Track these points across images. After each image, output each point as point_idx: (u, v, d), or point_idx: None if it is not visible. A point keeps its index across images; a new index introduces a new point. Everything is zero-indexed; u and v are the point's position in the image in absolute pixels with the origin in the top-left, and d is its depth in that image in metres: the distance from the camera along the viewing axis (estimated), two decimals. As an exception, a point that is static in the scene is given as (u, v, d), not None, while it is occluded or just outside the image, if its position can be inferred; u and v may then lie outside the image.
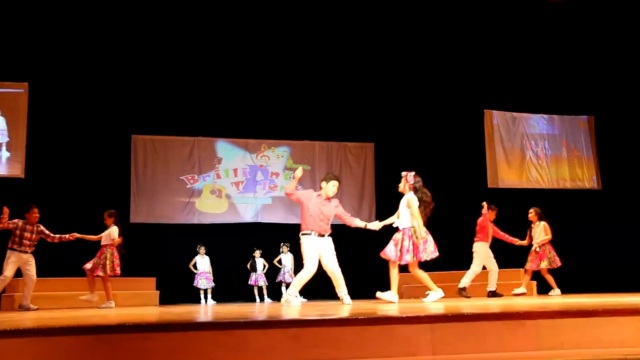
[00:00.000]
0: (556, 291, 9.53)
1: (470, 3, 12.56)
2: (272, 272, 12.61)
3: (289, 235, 12.29)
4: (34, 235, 8.69)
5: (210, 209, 12.78)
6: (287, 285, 12.50)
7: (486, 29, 12.87)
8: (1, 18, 11.18)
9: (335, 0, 12.33)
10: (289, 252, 12.53)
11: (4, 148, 11.23)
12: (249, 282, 12.44)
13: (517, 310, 3.36)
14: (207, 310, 6.32)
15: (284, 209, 12.98)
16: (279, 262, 12.64)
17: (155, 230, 12.23)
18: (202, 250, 12.11)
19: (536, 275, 10.46)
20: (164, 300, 10.75)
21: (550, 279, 9.62)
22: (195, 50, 12.33)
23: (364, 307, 5.26)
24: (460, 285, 9.04)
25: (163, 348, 2.85)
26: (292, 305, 6.59)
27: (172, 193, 12.60)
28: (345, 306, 5.86)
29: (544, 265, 9.50)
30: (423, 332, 3.07)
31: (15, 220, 8.61)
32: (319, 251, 6.69)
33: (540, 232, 9.60)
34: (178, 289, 11.75)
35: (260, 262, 12.55)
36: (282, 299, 7.09)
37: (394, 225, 6.97)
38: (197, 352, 2.83)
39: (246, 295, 12.38)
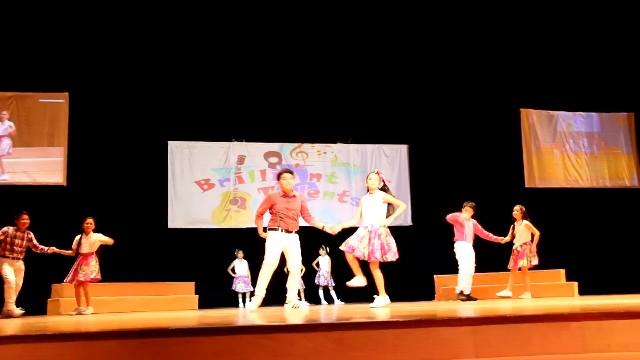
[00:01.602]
0: (527, 294, 9.15)
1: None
2: (311, 275, 12.62)
3: (328, 237, 12.27)
4: (24, 242, 8.64)
5: (247, 214, 12.85)
6: (324, 289, 12.50)
7: (521, 26, 12.72)
8: (43, 30, 11.46)
9: (370, 1, 12.34)
10: (326, 255, 12.51)
11: (46, 156, 11.47)
12: (286, 286, 12.44)
13: (562, 312, 3.29)
14: (246, 314, 6.35)
15: (321, 210, 12.98)
16: (317, 264, 12.64)
17: (193, 235, 12.36)
18: (240, 254, 12.19)
19: (576, 275, 10.26)
20: (203, 305, 10.85)
21: (527, 280, 9.29)
22: (229, 56, 12.44)
23: (403, 309, 5.22)
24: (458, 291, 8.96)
25: (206, 352, 2.86)
26: (302, 308, 6.63)
27: (208, 198, 12.71)
28: (378, 309, 5.80)
29: (522, 263, 9.22)
30: (465, 334, 3.03)
31: (5, 229, 8.58)
32: (284, 247, 6.80)
33: (523, 231, 9.30)
34: (217, 293, 11.85)
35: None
36: (287, 306, 6.99)
37: (357, 226, 6.79)
38: (240, 355, 2.84)
39: (283, 298, 12.39)
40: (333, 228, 6.93)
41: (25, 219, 8.68)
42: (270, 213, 6.96)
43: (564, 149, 13.06)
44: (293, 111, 12.82)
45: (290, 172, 7.06)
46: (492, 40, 12.82)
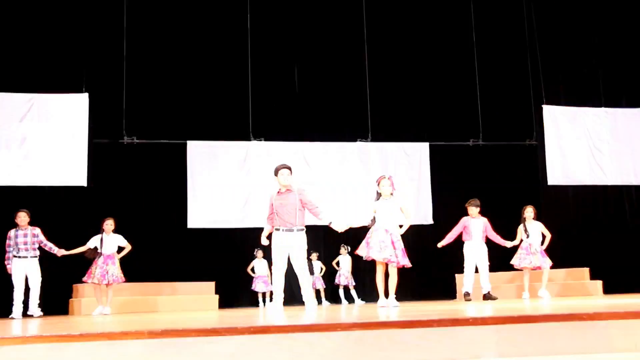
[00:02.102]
0: (526, 294, 9.11)
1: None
2: (331, 275, 12.63)
3: (349, 236, 12.30)
4: (29, 239, 8.76)
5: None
6: (345, 288, 12.51)
7: (541, 17, 12.59)
8: (61, 30, 11.58)
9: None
10: (347, 254, 12.50)
11: (68, 157, 11.57)
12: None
13: (587, 311, 3.26)
14: (266, 313, 6.38)
15: (339, 209, 12.98)
16: (337, 264, 12.64)
17: (212, 235, 12.41)
18: (260, 254, 12.22)
19: (600, 274, 10.15)
20: (223, 304, 10.91)
21: (527, 280, 9.24)
22: (248, 53, 12.46)
23: (424, 308, 5.21)
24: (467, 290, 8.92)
25: (226, 351, 2.89)
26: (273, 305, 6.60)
27: (228, 198, 12.76)
28: (392, 309, 5.80)
29: (547, 263, 9.15)
30: (488, 333, 3.02)
31: (9, 233, 8.81)
32: (288, 247, 6.66)
33: (537, 231, 9.21)
34: (237, 292, 11.90)
35: (317, 265, 12.58)
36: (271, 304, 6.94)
37: (369, 226, 6.73)
38: (260, 355, 2.86)
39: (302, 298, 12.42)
40: (340, 225, 6.85)
41: (22, 217, 8.80)
42: (271, 213, 6.89)
43: (588, 145, 12.90)
44: (313, 109, 12.81)
45: (288, 168, 6.91)
46: (515, 35, 12.71)
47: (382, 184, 6.72)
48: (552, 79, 12.83)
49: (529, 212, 9.31)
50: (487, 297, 8.95)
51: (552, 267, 9.37)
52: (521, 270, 9.30)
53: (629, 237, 12.05)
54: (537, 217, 9.42)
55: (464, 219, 9.22)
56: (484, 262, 9.07)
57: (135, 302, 10.20)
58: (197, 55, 12.34)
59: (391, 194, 6.71)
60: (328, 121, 12.93)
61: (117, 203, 11.30)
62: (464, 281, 9.04)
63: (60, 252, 8.88)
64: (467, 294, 8.96)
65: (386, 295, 6.66)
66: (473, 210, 9.17)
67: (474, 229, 9.07)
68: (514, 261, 9.26)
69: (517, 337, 3.03)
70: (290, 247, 6.66)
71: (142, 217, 11.55)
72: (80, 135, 11.55)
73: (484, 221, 9.22)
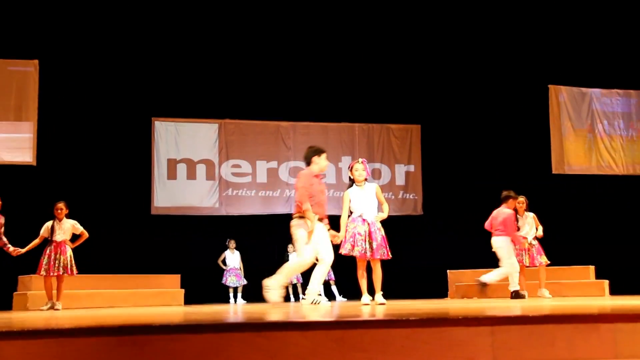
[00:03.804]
0: (525, 292, 9.16)
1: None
2: (310, 269, 12.64)
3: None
4: None
5: (238, 199, 12.89)
6: (325, 283, 12.55)
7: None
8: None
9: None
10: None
11: (12, 132, 11.42)
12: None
13: (591, 312, 3.30)
14: (237, 310, 6.38)
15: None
16: (316, 257, 12.66)
17: (179, 223, 12.39)
18: (233, 244, 12.23)
19: (607, 273, 10.27)
20: (189, 300, 10.90)
21: (543, 278, 9.29)
22: (222, 25, 12.38)
23: (413, 307, 5.24)
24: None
25: (193, 351, 2.88)
26: (323, 305, 6.57)
27: (197, 182, 12.73)
28: (379, 306, 5.83)
29: (544, 260, 9.22)
30: (482, 335, 3.04)
31: None
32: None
33: (532, 224, 9.29)
34: (205, 287, 11.89)
35: (293, 258, 12.60)
36: (306, 301, 6.83)
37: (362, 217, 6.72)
38: (231, 355, 2.85)
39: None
40: (335, 238, 6.81)
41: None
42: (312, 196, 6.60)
43: (598, 131, 13.00)
44: (291, 85, 12.78)
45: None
46: (517, 7, 12.72)
47: (355, 168, 6.74)
48: (560, 56, 12.87)
49: (520, 203, 9.34)
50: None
51: (552, 265, 9.44)
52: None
53: (639, 233, 12.20)
54: (537, 209, 9.47)
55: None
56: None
57: (90, 296, 10.11)
58: (164, 21, 12.22)
59: (365, 179, 6.75)
60: (309, 99, 12.92)
61: (71, 185, 11.20)
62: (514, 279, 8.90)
63: (16, 251, 8.67)
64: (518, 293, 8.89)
65: (371, 292, 6.70)
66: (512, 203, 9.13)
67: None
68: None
69: (514, 339, 3.05)
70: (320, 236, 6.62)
71: (100, 201, 11.47)
72: (28, 106, 11.40)
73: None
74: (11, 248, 8.51)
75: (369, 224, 6.59)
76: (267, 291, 6.33)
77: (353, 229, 6.59)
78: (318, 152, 6.72)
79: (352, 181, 6.82)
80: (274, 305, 6.37)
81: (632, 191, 12.72)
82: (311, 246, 6.51)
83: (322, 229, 6.61)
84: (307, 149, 6.85)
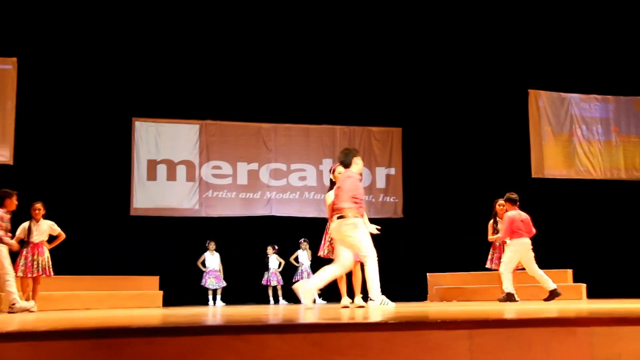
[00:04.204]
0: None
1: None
2: (289, 271, 12.64)
3: (308, 229, 12.32)
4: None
5: (219, 201, 12.85)
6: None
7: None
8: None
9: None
10: (308, 249, 12.52)
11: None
12: (262, 282, 12.49)
13: (568, 316, 3.32)
14: (216, 312, 6.36)
15: (299, 201, 13.03)
16: (296, 259, 12.66)
17: (158, 224, 12.31)
18: (212, 246, 12.18)
19: (585, 277, 10.36)
20: (168, 302, 10.83)
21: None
22: (203, 25, 12.34)
23: (393, 310, 5.25)
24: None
25: (170, 354, 2.86)
26: (389, 306, 6.45)
27: (177, 183, 12.67)
28: (360, 309, 5.83)
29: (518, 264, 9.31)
30: (460, 338, 3.05)
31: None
32: None
33: None
34: (184, 289, 11.83)
35: (274, 260, 12.59)
36: (374, 302, 6.57)
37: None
38: (208, 358, 2.84)
39: (259, 296, 12.44)
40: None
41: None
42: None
43: (576, 136, 13.12)
44: (272, 87, 12.77)
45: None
46: (498, 12, 12.80)
47: (337, 171, 6.74)
48: (539, 61, 12.96)
49: (501, 206, 9.37)
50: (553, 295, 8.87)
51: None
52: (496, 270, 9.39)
53: (617, 236, 12.32)
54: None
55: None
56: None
57: (67, 298, 9.98)
58: (147, 23, 12.14)
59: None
60: (291, 101, 12.92)
61: (48, 184, 11.09)
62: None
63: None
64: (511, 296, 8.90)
65: (351, 294, 6.70)
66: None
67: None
68: (489, 264, 9.32)
69: (492, 342, 3.07)
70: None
71: (78, 201, 11.37)
72: (6, 104, 11.28)
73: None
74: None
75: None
76: (385, 302, 6.31)
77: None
78: (356, 152, 6.67)
79: (333, 183, 6.82)
80: (253, 307, 6.35)
81: (609, 196, 12.84)
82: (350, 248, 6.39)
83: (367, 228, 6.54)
84: (343, 151, 6.70)
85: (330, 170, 6.94)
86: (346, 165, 6.52)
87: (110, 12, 11.91)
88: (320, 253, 6.63)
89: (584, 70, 13.14)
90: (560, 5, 12.77)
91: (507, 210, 9.05)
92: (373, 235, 6.48)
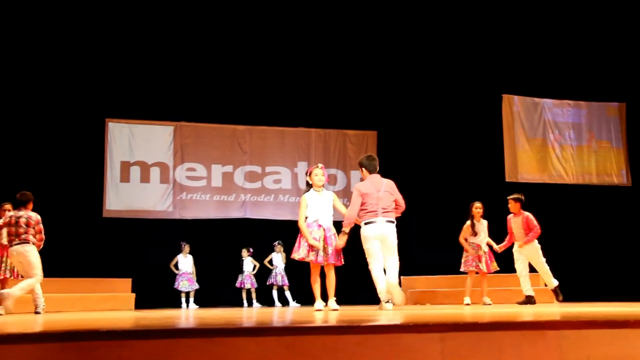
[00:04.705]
0: (468, 300, 9.31)
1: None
2: (263, 274, 12.62)
3: (284, 231, 12.30)
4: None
5: (193, 203, 12.79)
6: (279, 289, 12.51)
7: (503, 3, 12.81)
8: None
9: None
10: (282, 252, 12.52)
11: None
12: (236, 285, 12.46)
13: (538, 320, 3.36)
14: (189, 315, 6.32)
15: (274, 203, 13.02)
16: (270, 262, 12.64)
17: (131, 226, 12.22)
18: (187, 248, 12.12)
19: (558, 280, 10.46)
20: (140, 304, 10.75)
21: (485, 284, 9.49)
22: (178, 26, 12.27)
23: (365, 313, 5.26)
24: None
25: (141, 357, 2.84)
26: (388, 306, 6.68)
27: (151, 185, 12.58)
28: (331, 312, 5.84)
29: (494, 267, 9.43)
30: (432, 341, 3.07)
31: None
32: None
33: (486, 230, 9.46)
34: (156, 291, 11.75)
35: (248, 262, 12.56)
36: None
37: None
38: (179, 361, 2.82)
39: (233, 299, 12.40)
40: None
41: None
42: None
43: (549, 141, 13.24)
44: (247, 90, 12.75)
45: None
46: (472, 17, 12.89)
47: (314, 173, 6.78)
48: (514, 66, 13.07)
49: (478, 208, 9.46)
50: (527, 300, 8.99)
51: (504, 272, 9.61)
52: (466, 273, 9.48)
53: (588, 240, 12.45)
54: (491, 217, 9.60)
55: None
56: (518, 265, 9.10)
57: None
58: (121, 23, 12.05)
59: (323, 185, 6.82)
60: (266, 104, 12.91)
61: (19, 185, 10.92)
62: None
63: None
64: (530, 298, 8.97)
65: (325, 297, 6.71)
66: (513, 207, 9.19)
67: (516, 229, 9.07)
68: (464, 267, 9.40)
69: (463, 345, 3.09)
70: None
71: (50, 202, 11.17)
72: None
73: (509, 218, 9.22)
74: None
75: (324, 229, 6.62)
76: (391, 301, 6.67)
77: (309, 234, 6.61)
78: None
79: (309, 186, 6.84)
80: (226, 310, 6.32)
81: (581, 200, 12.97)
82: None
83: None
84: (370, 157, 7.20)
85: (307, 173, 6.95)
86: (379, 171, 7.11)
87: (84, 12, 11.78)
88: (295, 256, 6.62)
89: (558, 76, 13.28)
90: (534, 11, 12.89)
91: (519, 212, 9.14)
92: (348, 239, 6.63)
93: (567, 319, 3.39)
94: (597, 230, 12.48)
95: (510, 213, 9.20)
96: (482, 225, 9.45)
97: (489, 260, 9.38)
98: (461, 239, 9.44)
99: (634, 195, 13.32)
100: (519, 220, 9.08)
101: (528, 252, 9.00)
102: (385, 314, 4.98)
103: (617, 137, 13.64)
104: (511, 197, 9.22)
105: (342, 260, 6.68)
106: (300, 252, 6.57)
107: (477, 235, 9.36)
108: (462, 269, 9.45)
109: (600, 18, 12.91)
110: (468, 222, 9.44)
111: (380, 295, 6.68)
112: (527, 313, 4.81)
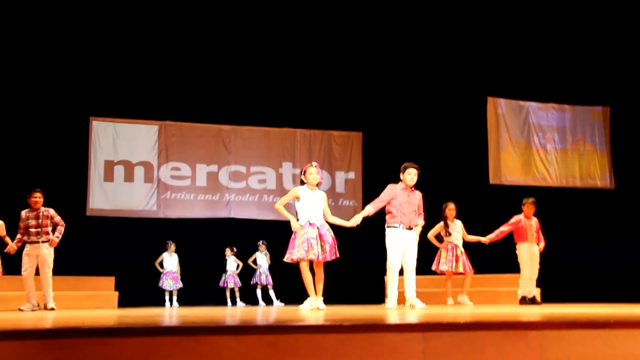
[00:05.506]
0: (450, 300, 9.43)
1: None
2: (247, 273, 12.60)
3: (266, 231, 12.30)
4: (40, 222, 8.61)
5: (177, 203, 12.74)
6: (263, 288, 12.50)
7: (489, 6, 12.87)
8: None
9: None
10: (266, 251, 12.51)
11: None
12: (220, 284, 12.43)
13: (520, 320, 3.38)
14: (172, 313, 6.31)
15: (258, 203, 13.00)
16: (254, 262, 12.62)
17: (115, 224, 12.15)
18: (173, 247, 12.08)
19: (538, 281, 10.52)
20: (124, 303, 10.70)
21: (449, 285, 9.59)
22: (164, 25, 12.23)
23: (349, 312, 5.27)
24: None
25: (123, 355, 2.83)
26: (418, 307, 7.13)
27: (135, 184, 12.53)
28: (317, 311, 5.85)
29: (471, 268, 9.51)
30: (414, 341, 3.08)
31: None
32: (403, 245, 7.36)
33: (460, 231, 9.56)
34: (140, 290, 11.69)
35: (232, 262, 12.53)
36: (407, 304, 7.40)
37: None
38: (161, 359, 2.81)
39: (216, 298, 12.37)
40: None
41: (37, 197, 8.50)
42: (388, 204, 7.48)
43: (534, 144, 13.32)
44: (232, 89, 12.72)
45: (417, 168, 7.74)
46: (459, 20, 12.95)
47: (309, 172, 6.81)
48: (499, 69, 13.14)
49: (452, 210, 9.58)
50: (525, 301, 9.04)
51: (487, 272, 9.65)
52: (443, 274, 9.54)
53: (570, 243, 12.53)
54: (474, 218, 9.66)
55: (521, 219, 9.20)
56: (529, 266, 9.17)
57: (19, 298, 9.76)
58: (105, 20, 11.99)
59: (318, 184, 6.83)
60: (252, 103, 12.89)
61: (2, 184, 10.88)
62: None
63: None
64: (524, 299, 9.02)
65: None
66: (530, 209, 9.26)
67: (529, 229, 9.14)
68: (438, 266, 9.45)
69: (445, 345, 3.10)
70: (406, 245, 7.53)
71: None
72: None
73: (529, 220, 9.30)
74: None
75: (317, 227, 6.63)
76: (413, 305, 7.37)
77: (304, 235, 6.58)
78: (403, 168, 7.78)
79: (303, 184, 6.86)
80: (210, 309, 6.31)
81: (564, 203, 13.05)
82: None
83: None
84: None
85: (301, 172, 6.98)
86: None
87: (68, 9, 11.71)
88: (292, 257, 6.58)
89: (543, 79, 13.36)
90: (519, 14, 12.97)
91: (532, 215, 9.23)
92: (338, 238, 6.71)
93: (548, 319, 3.42)
94: (580, 233, 12.56)
95: (518, 214, 9.26)
96: (456, 226, 9.54)
97: (467, 260, 9.44)
98: (430, 236, 9.52)
99: (617, 198, 13.42)
100: (534, 223, 9.22)
101: (537, 256, 9.06)
102: (370, 315, 5.00)
103: (601, 141, 13.74)
104: (531, 200, 9.27)
105: (337, 252, 6.72)
106: (299, 252, 6.50)
107: (450, 236, 9.45)
108: (434, 268, 9.48)
109: (586, 22, 13.00)
110: (441, 223, 9.55)
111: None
112: (509, 313, 4.84)
